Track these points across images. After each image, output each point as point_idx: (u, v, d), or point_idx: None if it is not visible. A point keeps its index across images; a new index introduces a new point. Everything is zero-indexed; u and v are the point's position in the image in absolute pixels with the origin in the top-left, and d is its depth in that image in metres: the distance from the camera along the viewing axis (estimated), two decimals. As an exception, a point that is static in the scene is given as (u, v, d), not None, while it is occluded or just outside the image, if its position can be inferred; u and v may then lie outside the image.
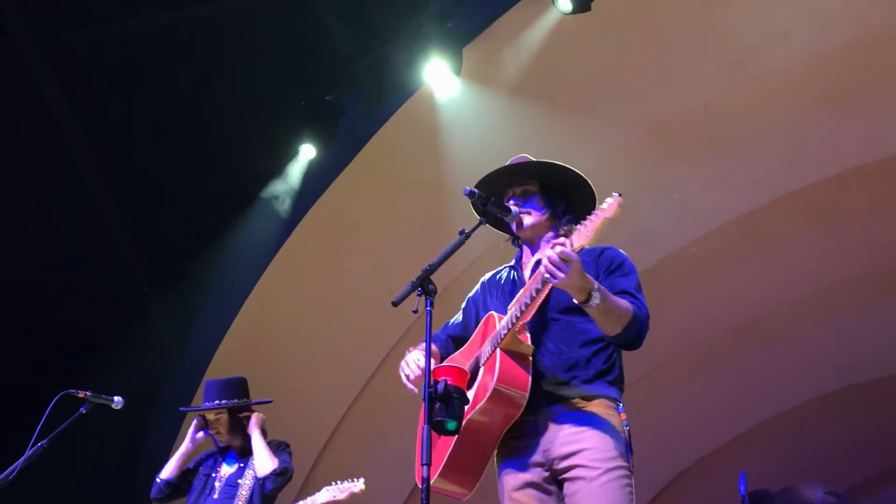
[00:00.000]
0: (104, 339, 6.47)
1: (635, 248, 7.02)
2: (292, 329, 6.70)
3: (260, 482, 3.86)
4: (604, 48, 5.54)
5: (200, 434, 4.18)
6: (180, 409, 4.32)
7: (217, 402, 4.11)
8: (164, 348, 6.83)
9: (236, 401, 4.13)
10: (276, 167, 6.38)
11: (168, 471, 4.11)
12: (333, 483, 3.70)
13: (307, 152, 6.27)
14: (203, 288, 6.78)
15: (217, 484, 4.01)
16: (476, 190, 2.97)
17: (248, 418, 4.12)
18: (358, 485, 3.64)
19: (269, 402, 4.26)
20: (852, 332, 7.59)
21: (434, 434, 2.53)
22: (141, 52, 5.86)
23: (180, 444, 4.22)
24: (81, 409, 3.81)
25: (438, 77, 5.59)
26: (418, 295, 2.79)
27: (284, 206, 6.39)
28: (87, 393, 3.75)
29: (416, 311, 2.78)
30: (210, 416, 4.13)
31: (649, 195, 6.40)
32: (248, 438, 4.07)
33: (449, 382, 2.68)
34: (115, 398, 4.01)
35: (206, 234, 6.65)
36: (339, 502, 3.73)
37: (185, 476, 4.12)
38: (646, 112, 5.88)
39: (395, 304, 2.78)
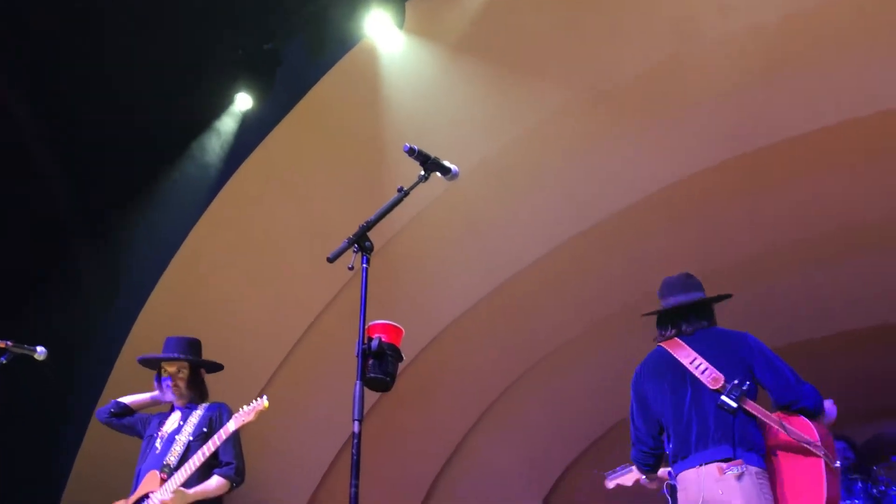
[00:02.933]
0: (29, 289, 6.28)
1: (572, 210, 7.19)
2: (224, 283, 6.59)
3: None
4: (549, 9, 5.51)
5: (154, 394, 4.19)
6: (143, 357, 4.22)
7: (182, 355, 4.15)
8: (92, 299, 6.65)
9: (200, 359, 4.21)
10: (210, 116, 6.22)
11: (126, 398, 4.25)
12: (240, 410, 3.74)
13: (243, 102, 6.12)
14: (133, 238, 6.62)
15: (158, 442, 4.05)
16: (416, 147, 2.94)
17: (203, 377, 4.23)
18: (262, 402, 3.70)
19: (221, 367, 4.29)
20: (783, 295, 7.86)
21: None
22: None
23: (102, 399, 4.18)
24: (1, 359, 3.74)
25: (381, 30, 5.50)
26: (354, 252, 2.78)
27: (218, 156, 6.23)
28: (9, 343, 3.70)
29: (351, 268, 2.76)
30: (171, 369, 4.14)
31: (589, 158, 6.46)
32: (197, 396, 4.16)
33: (383, 340, 2.68)
34: (38, 348, 3.94)
35: (137, 183, 6.48)
36: (249, 423, 3.79)
37: (133, 415, 4.22)
38: (589, 75, 5.89)
39: (330, 260, 2.76)
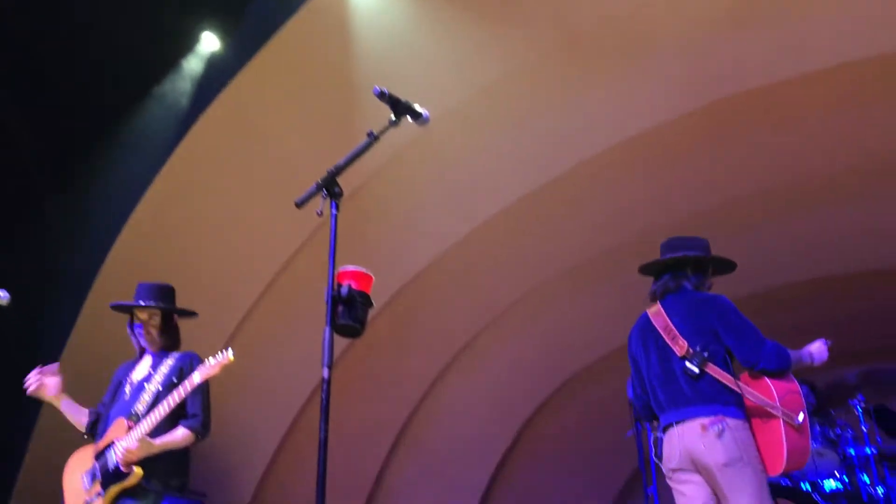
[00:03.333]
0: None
1: (543, 157, 7.18)
2: (191, 230, 6.51)
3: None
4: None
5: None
6: (115, 304, 4.16)
7: (155, 302, 4.10)
8: (57, 243, 6.55)
9: (173, 306, 4.17)
10: (176, 56, 6.06)
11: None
12: (205, 362, 3.73)
13: (209, 42, 5.96)
14: (99, 181, 6.50)
15: (128, 389, 4.03)
16: (386, 90, 2.89)
17: (175, 324, 4.20)
18: (227, 355, 3.69)
19: (195, 315, 4.26)
20: (746, 247, 7.96)
21: None
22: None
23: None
24: (-36, 304, 3.68)
25: (351, -30, 5.37)
26: (323, 197, 2.75)
27: (185, 98, 6.10)
28: (-30, 287, 3.63)
29: (320, 214, 2.73)
30: (143, 316, 4.10)
31: (561, 105, 6.42)
32: (170, 344, 4.14)
33: (353, 286, 2.67)
34: (1, 293, 3.86)
35: (101, 126, 6.33)
36: (214, 377, 3.78)
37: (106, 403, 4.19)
38: (560, 21, 5.83)
39: (298, 205, 2.73)
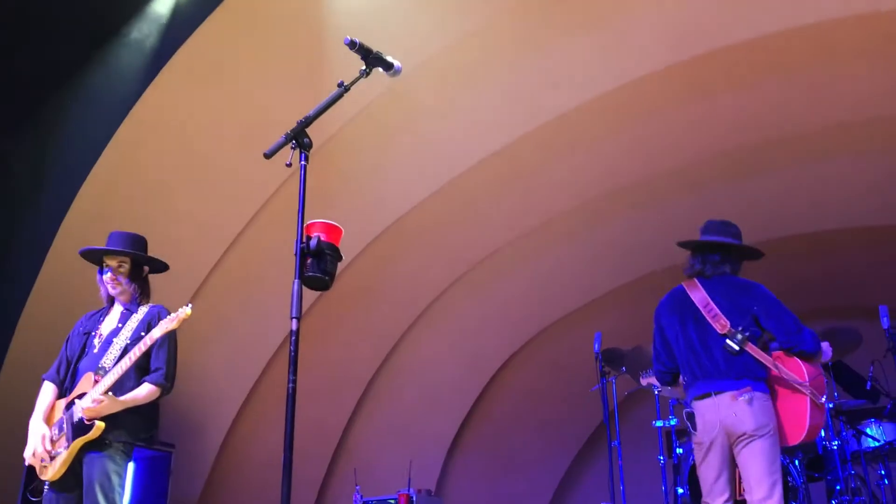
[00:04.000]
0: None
1: (517, 111, 7.14)
2: (156, 179, 6.39)
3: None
4: None
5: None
6: (84, 249, 4.08)
7: (127, 249, 4.06)
8: (19, 194, 6.40)
9: (143, 254, 4.12)
10: (140, 2, 5.88)
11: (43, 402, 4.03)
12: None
13: (174, -12, 5.80)
14: (61, 131, 6.33)
15: (97, 341, 3.98)
16: (357, 40, 2.84)
17: (146, 276, 4.16)
18: (185, 310, 3.70)
19: (166, 267, 4.21)
20: (718, 203, 8.04)
21: None
22: None
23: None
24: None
25: (322, -86, 5.23)
26: (293, 148, 2.72)
27: (151, 44, 5.94)
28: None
29: (289, 165, 2.70)
30: (112, 263, 4.05)
31: (535, 58, 6.37)
32: (139, 295, 4.10)
33: (322, 239, 2.66)
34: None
35: (62, 73, 6.15)
36: (178, 330, 3.79)
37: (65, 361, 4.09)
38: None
39: (266, 156, 2.70)
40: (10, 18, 5.71)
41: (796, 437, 3.99)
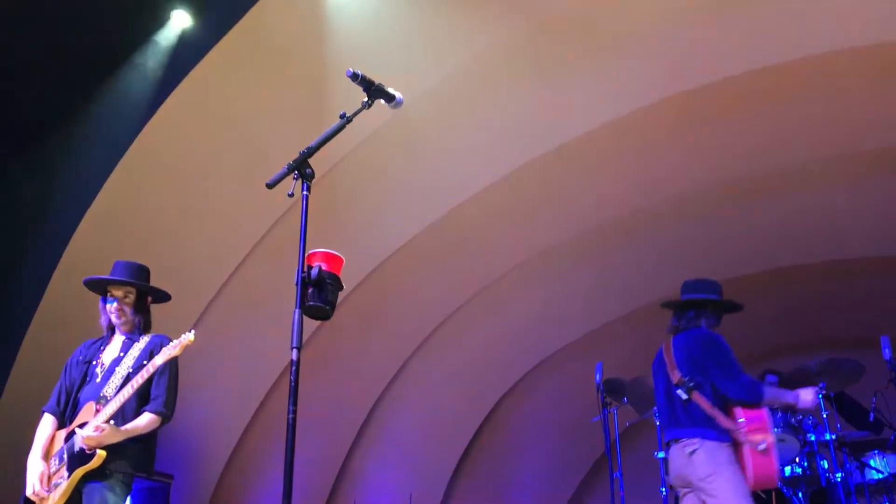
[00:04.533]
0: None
1: (514, 143, 7.17)
2: (160, 209, 6.42)
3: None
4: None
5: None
6: (91, 278, 4.06)
7: (132, 279, 4.05)
8: (24, 219, 6.42)
9: (149, 285, 4.12)
10: (148, 32, 5.95)
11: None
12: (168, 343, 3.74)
13: (180, 19, 5.87)
14: (67, 158, 6.37)
15: (98, 370, 3.96)
16: (359, 72, 2.87)
17: (148, 306, 4.15)
18: (188, 336, 3.68)
19: (168, 297, 4.22)
20: (717, 232, 8.07)
21: None
22: None
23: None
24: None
25: (326, -51, 5.32)
26: (295, 178, 2.73)
27: (155, 74, 5.99)
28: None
29: (291, 195, 2.72)
30: (119, 293, 4.04)
31: (535, 89, 6.43)
32: (142, 325, 4.09)
33: (323, 268, 2.67)
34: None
35: (70, 101, 6.19)
36: (180, 358, 3.78)
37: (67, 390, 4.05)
38: (534, 5, 5.82)
39: (269, 185, 2.71)
40: (19, 46, 5.77)
41: (748, 482, 4.08)
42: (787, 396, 4.28)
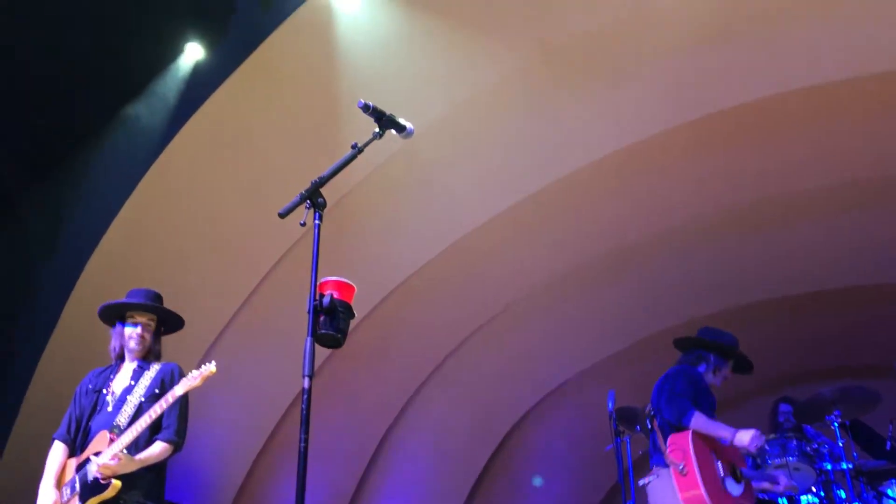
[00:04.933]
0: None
1: (526, 170, 7.21)
2: (172, 238, 6.47)
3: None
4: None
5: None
6: (113, 302, 4.03)
7: (156, 304, 4.05)
8: (35, 252, 6.48)
9: (171, 312, 4.11)
10: (160, 65, 6.04)
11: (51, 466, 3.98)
12: (188, 374, 3.71)
13: (194, 51, 5.96)
14: (79, 190, 6.44)
15: (109, 398, 3.94)
16: (370, 103, 2.90)
17: (161, 333, 4.14)
18: (210, 367, 3.66)
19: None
20: (734, 259, 8.05)
21: None
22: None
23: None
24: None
25: (337, -18, 5.40)
26: (307, 208, 2.75)
27: (169, 106, 6.08)
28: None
29: (303, 224, 2.74)
30: (142, 319, 4.04)
31: (543, 118, 6.47)
32: (155, 352, 4.08)
33: (335, 297, 2.68)
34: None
35: (82, 133, 6.28)
36: (195, 388, 3.73)
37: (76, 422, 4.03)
38: (541, 37, 5.87)
39: (281, 215, 2.73)
40: (32, 78, 5.86)
41: None
42: (722, 430, 4.30)
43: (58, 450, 3.93)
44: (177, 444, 3.83)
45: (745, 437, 4.28)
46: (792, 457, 5.49)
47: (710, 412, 4.49)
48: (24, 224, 6.44)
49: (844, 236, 7.76)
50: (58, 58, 5.75)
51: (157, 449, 3.78)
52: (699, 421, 4.30)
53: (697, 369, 4.69)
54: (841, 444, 5.65)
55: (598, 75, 6.13)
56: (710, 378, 4.74)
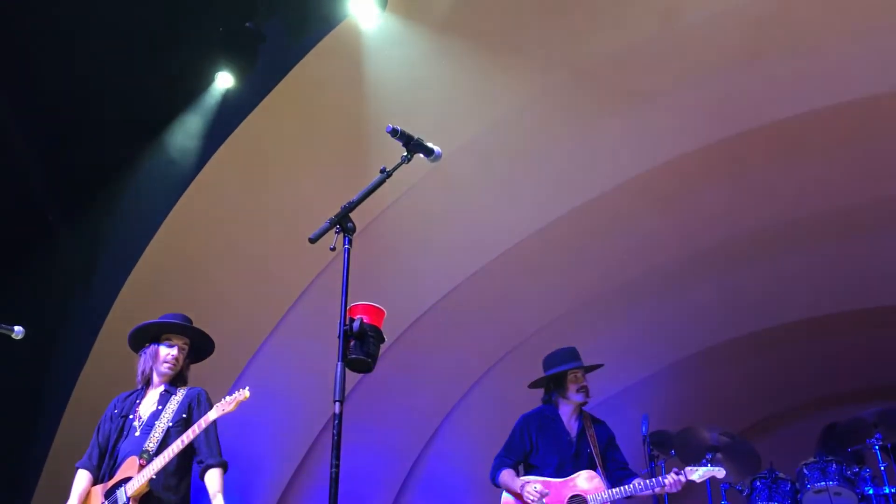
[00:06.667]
0: (9, 269, 6.21)
1: (556, 192, 7.19)
2: (204, 265, 6.54)
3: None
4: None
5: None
6: (146, 322, 4.05)
7: (193, 326, 4.09)
8: (71, 279, 6.59)
9: (205, 337, 4.14)
10: (192, 94, 6.14)
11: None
12: (221, 399, 3.71)
13: (224, 80, 6.05)
14: (112, 218, 6.55)
15: (136, 423, 3.94)
16: (399, 128, 2.92)
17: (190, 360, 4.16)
18: (244, 392, 3.66)
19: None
20: (762, 280, 7.93)
21: None
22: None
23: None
24: (-21, 338, 3.69)
25: (364, 9, 5.46)
26: (336, 232, 2.76)
27: (199, 134, 6.17)
28: (-14, 322, 3.64)
29: (333, 249, 2.75)
30: (179, 342, 4.07)
31: (573, 140, 6.46)
32: (184, 377, 4.11)
33: (365, 321, 2.68)
34: (16, 328, 3.92)
35: (117, 162, 6.39)
36: (229, 413, 3.74)
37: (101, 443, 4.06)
38: (571, 57, 5.88)
39: (312, 240, 2.74)
40: (69, 108, 5.98)
41: None
42: (513, 484, 4.74)
43: (81, 477, 3.93)
44: (224, 464, 3.84)
45: (668, 485, 4.54)
46: (832, 481, 5.37)
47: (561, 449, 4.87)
48: (61, 253, 6.55)
49: (874, 256, 7.62)
50: (92, 90, 5.87)
51: (216, 477, 3.78)
52: (503, 480, 4.86)
53: (550, 406, 5.10)
54: (883, 468, 5.52)
55: (627, 94, 6.12)
56: (566, 403, 5.09)
